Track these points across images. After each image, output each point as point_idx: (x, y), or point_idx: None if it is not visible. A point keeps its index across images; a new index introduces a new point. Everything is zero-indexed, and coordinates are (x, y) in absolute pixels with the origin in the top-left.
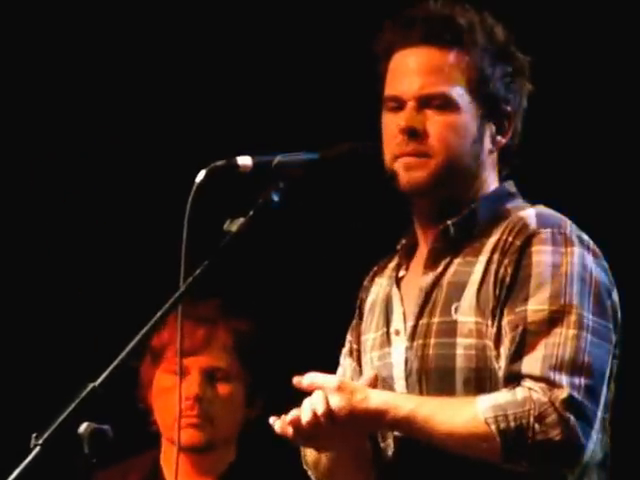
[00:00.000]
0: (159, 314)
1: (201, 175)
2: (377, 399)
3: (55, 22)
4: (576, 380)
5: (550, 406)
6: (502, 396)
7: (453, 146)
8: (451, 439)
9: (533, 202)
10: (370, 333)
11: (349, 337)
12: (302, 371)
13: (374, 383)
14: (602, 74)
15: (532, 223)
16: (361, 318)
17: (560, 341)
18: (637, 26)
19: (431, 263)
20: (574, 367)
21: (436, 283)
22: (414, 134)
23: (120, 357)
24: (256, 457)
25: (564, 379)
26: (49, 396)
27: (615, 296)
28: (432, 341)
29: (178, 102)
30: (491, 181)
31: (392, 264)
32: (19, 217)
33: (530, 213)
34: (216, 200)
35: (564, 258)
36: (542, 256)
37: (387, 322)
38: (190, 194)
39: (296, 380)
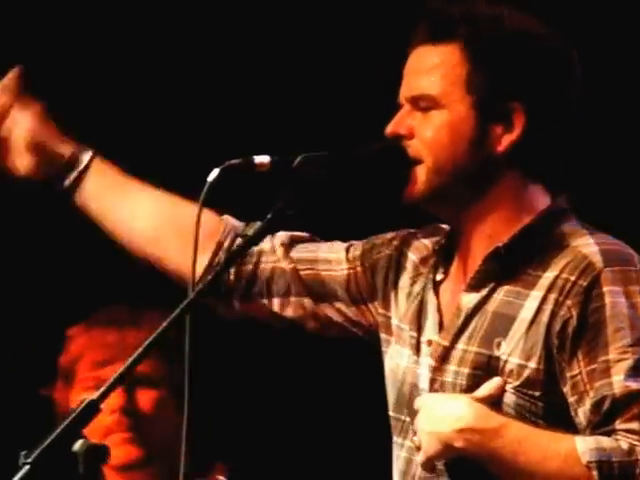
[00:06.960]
0: (166, 323)
1: (214, 174)
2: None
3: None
4: None
5: None
6: (605, 441)
7: (442, 147)
8: (541, 468)
9: (588, 224)
10: (398, 320)
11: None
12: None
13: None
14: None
15: (597, 262)
16: (394, 273)
17: None
18: None
19: (475, 283)
20: None
21: (479, 308)
22: (398, 139)
23: (122, 369)
24: None
25: None
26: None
27: None
28: (466, 371)
29: (192, 101)
30: (531, 191)
31: (430, 259)
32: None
33: (593, 250)
34: (231, 201)
35: (638, 298)
36: (614, 297)
37: (419, 328)
38: (202, 194)
39: None
